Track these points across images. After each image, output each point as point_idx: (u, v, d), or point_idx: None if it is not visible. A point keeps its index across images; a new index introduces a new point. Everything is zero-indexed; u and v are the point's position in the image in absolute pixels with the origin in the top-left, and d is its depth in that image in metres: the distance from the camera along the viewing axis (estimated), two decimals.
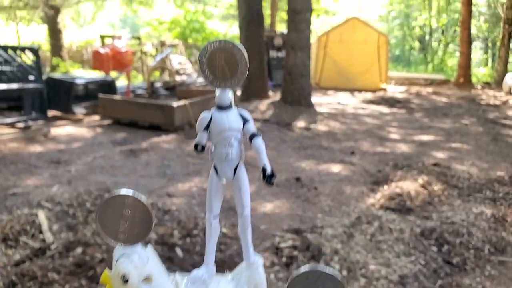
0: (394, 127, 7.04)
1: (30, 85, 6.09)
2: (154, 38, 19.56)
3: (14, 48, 6.36)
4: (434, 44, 31.30)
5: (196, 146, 0.65)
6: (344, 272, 2.27)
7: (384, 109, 9.15)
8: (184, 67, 10.98)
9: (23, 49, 6.51)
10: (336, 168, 4.46)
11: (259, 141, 0.64)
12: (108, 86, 7.90)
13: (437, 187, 3.66)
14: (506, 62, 16.41)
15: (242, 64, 0.61)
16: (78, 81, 7.34)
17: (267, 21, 16.88)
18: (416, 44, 34.06)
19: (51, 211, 2.91)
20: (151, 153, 4.83)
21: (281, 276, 2.25)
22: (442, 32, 30.28)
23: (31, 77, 6.21)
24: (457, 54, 20.12)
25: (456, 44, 24.87)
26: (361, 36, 13.83)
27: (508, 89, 12.67)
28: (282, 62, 11.12)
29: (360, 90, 12.95)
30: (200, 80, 10.25)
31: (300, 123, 6.93)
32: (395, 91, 13.31)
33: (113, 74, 9.25)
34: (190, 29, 20.23)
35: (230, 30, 25.03)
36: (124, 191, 0.58)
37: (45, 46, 17.84)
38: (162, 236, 2.56)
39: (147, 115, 6.14)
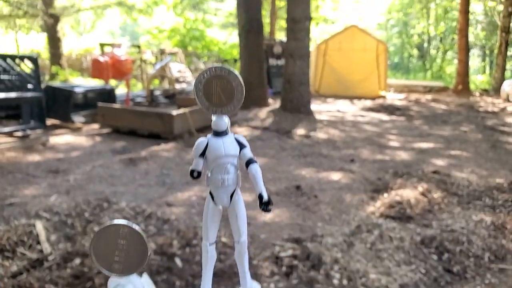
0: (394, 135, 7.05)
1: (29, 94, 6.09)
2: (153, 46, 19.64)
3: (13, 57, 6.38)
4: (433, 51, 31.47)
5: (192, 172, 0.64)
6: (345, 281, 2.25)
7: (384, 117, 9.16)
8: (183, 75, 11.01)
9: (22, 58, 6.53)
10: (336, 176, 4.45)
11: (256, 168, 0.63)
12: (107, 95, 7.91)
13: (437, 194, 3.65)
14: (503, 69, 16.52)
15: (238, 91, 0.61)
16: (77, 90, 7.35)
17: (266, 29, 16.97)
18: (415, 52, 34.26)
19: (49, 221, 2.89)
20: (151, 162, 4.82)
21: (281, 286, 2.23)
22: (440, 40, 30.46)
23: (30, 86, 6.21)
24: (455, 61, 20.21)
25: (454, 51, 24.99)
26: (360, 44, 13.91)
27: (506, 96, 12.71)
28: (281, 70, 11.17)
29: (359, 98, 12.99)
30: None
31: (300, 131, 6.93)
32: (394, 98, 13.35)
33: (112, 82, 9.28)
34: (189, 37, 20.33)
35: (230, 38, 25.14)
36: (118, 221, 0.58)
37: (45, 54, 17.91)
38: (161, 246, 2.54)
39: (146, 123, 6.14)
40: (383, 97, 13.50)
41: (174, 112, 6.12)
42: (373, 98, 12.92)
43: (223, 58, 18.99)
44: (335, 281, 2.24)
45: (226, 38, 25.10)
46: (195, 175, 0.64)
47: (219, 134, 0.63)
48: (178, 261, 2.41)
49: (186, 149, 5.44)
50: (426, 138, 6.71)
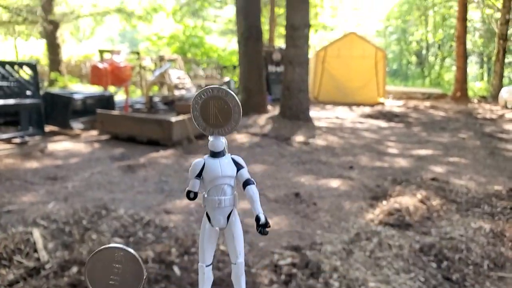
0: (392, 142, 7.05)
1: (27, 101, 6.09)
2: (153, 53, 19.72)
3: (11, 64, 6.39)
4: (431, 58, 31.63)
5: (188, 193, 0.63)
6: None
7: (382, 123, 9.17)
8: (183, 81, 11.03)
9: (21, 65, 6.54)
10: (335, 183, 4.44)
11: (253, 189, 0.63)
12: (106, 101, 7.91)
13: (435, 202, 3.65)
14: (501, 76, 16.62)
15: (235, 112, 0.61)
16: (76, 96, 7.35)
17: (265, 36, 17.06)
18: (413, 59, 34.43)
19: (46, 229, 2.87)
20: (149, 169, 4.81)
21: None
22: (439, 47, 30.63)
23: (29, 92, 6.22)
24: (454, 68, 20.30)
25: (453, 58, 25.11)
26: (359, 51, 13.97)
27: (504, 103, 12.76)
28: (280, 77, 11.21)
29: (358, 105, 13.03)
30: None
31: (299, 138, 6.94)
32: (393, 105, 13.38)
33: (111, 89, 9.29)
34: (189, 44, 20.42)
35: (229, 45, 25.25)
36: (114, 245, 0.57)
37: (44, 60, 17.95)
38: (159, 254, 2.53)
39: (145, 130, 6.14)
40: (382, 104, 13.53)
41: (173, 118, 6.12)
42: (371, 105, 12.96)
43: (222, 64, 19.06)
44: None
45: (225, 45, 25.21)
46: (192, 196, 0.63)
47: (216, 154, 0.63)
48: (176, 269, 2.40)
49: (185, 156, 5.43)
50: (424, 145, 6.71)
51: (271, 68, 13.58)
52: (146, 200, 3.72)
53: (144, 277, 0.57)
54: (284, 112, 8.69)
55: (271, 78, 13.33)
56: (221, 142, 0.62)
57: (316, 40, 29.11)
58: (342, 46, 14.13)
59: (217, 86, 0.61)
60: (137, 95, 13.20)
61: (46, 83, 14.53)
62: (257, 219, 0.61)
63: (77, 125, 7.15)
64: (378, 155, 5.90)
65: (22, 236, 2.65)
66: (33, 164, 4.89)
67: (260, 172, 4.79)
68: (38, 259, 2.45)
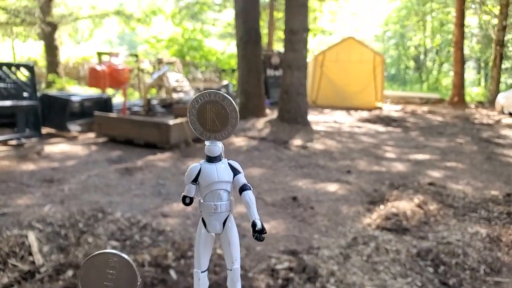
0: (390, 146, 7.06)
1: (24, 102, 6.07)
2: (151, 56, 19.73)
3: (9, 65, 6.37)
4: (429, 63, 31.76)
5: (184, 199, 0.63)
6: None
7: (380, 128, 9.18)
8: (181, 84, 11.03)
9: (18, 66, 6.53)
10: (332, 187, 4.44)
11: (250, 195, 0.62)
12: (104, 104, 7.90)
13: (432, 206, 3.65)
14: (498, 82, 16.70)
15: (232, 117, 0.60)
16: (73, 98, 7.34)
17: (264, 40, 17.09)
18: (411, 64, 34.56)
19: (42, 232, 2.85)
20: (146, 172, 4.79)
21: None
22: (437, 52, 30.78)
23: (26, 94, 6.20)
24: (451, 73, 20.38)
25: (450, 64, 25.22)
26: (357, 56, 14.02)
27: (501, 109, 12.82)
28: (279, 81, 11.22)
29: (356, 109, 13.05)
30: None
31: (297, 141, 6.93)
32: (391, 109, 13.41)
33: (109, 91, 9.27)
34: (188, 47, 20.45)
35: (228, 48, 25.29)
36: (107, 251, 0.56)
37: (41, 62, 17.92)
38: (155, 257, 2.51)
39: (143, 133, 6.12)
40: (380, 108, 13.56)
41: (171, 121, 6.11)
42: (369, 109, 12.98)
43: (220, 68, 19.08)
44: None
45: (224, 48, 25.25)
46: (187, 201, 0.63)
47: (212, 159, 0.62)
48: (172, 273, 2.39)
49: (182, 159, 5.41)
50: (422, 150, 6.72)
51: (270, 72, 13.60)
52: (143, 203, 3.71)
53: (139, 283, 0.56)
54: (282, 116, 8.69)
55: (270, 81, 13.36)
56: (218, 147, 0.62)
57: (314, 44, 29.21)
58: (340, 51, 14.17)
59: (214, 90, 0.60)
60: (135, 97, 13.18)
61: (43, 85, 14.51)
62: (253, 225, 0.60)
63: (74, 128, 7.13)
64: (376, 160, 5.90)
65: (17, 239, 2.63)
66: (29, 167, 4.86)
67: (258, 176, 4.78)
68: (33, 263, 2.43)
